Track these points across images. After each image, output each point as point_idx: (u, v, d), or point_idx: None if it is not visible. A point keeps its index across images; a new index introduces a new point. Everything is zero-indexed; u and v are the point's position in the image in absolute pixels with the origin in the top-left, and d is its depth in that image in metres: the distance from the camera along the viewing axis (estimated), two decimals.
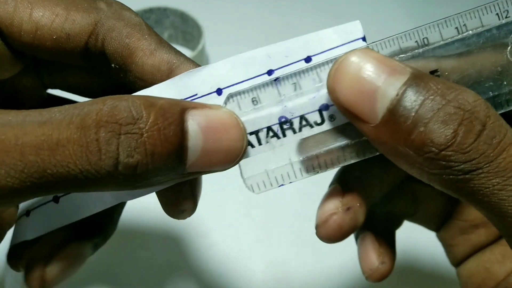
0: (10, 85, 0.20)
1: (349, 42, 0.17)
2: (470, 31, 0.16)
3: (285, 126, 0.17)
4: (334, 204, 0.20)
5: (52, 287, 0.20)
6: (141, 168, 0.15)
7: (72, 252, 0.21)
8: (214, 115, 0.16)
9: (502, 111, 0.17)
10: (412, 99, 0.14)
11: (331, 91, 0.16)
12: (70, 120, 0.14)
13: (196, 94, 0.17)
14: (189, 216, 0.20)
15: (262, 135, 0.17)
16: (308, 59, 0.17)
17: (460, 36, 0.16)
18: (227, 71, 0.17)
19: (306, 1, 0.58)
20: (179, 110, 0.15)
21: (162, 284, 0.35)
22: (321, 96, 0.17)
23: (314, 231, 0.35)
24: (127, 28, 0.18)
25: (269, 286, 0.35)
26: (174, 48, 0.19)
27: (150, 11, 0.48)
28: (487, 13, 0.16)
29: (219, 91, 0.17)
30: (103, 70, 0.19)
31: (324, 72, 0.16)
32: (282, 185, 0.17)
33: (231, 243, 0.37)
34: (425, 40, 0.16)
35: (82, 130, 0.14)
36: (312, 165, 0.17)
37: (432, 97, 0.14)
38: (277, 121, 0.17)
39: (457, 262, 0.25)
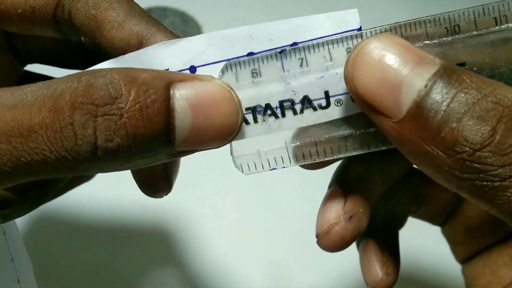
0: None
1: (342, 32, 0.15)
2: (510, 24, 0.14)
3: (285, 105, 0.15)
4: (336, 212, 0.18)
5: None
6: (122, 152, 0.13)
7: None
8: (204, 89, 0.14)
9: None
10: (443, 91, 0.13)
11: (349, 79, 0.14)
12: (42, 103, 0.13)
13: (167, 69, 0.16)
14: (165, 195, 0.19)
15: (259, 112, 0.15)
16: (294, 45, 0.15)
17: (497, 28, 0.14)
18: (204, 48, 0.15)
19: (306, 2, 0.57)
20: (164, 84, 0.14)
21: (161, 285, 0.35)
22: (330, 76, 0.15)
23: (314, 231, 0.36)
24: None
25: (269, 286, 0.35)
26: (147, 16, 0.17)
27: (150, 11, 0.48)
28: None
29: (192, 69, 0.16)
30: (79, 41, 0.18)
31: (336, 51, 0.15)
32: (275, 169, 0.16)
33: (232, 243, 0.37)
34: (456, 27, 0.14)
35: (55, 113, 0.13)
36: (309, 152, 0.16)
37: (466, 89, 0.12)
38: (277, 99, 0.15)
39: (462, 259, 0.24)
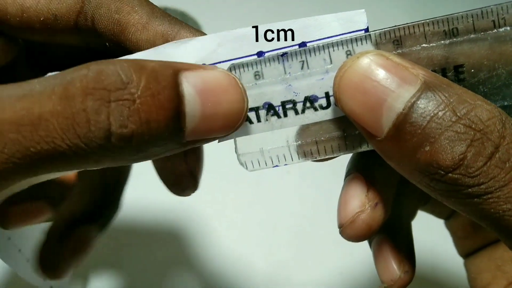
0: (5, 74, 0.19)
1: (350, 32, 0.15)
2: (508, 27, 0.15)
3: (287, 106, 0.16)
4: (360, 200, 0.18)
5: (67, 273, 0.20)
6: (137, 139, 0.13)
7: (80, 236, 0.20)
8: (210, 76, 0.14)
9: None
10: (420, 114, 0.13)
11: (337, 99, 0.15)
12: (52, 91, 0.13)
13: None
14: (192, 193, 0.19)
15: (262, 112, 0.16)
16: (302, 45, 0.16)
17: (495, 31, 0.15)
18: (215, 47, 0.16)
19: (306, 1, 0.57)
20: (171, 72, 0.14)
21: (163, 282, 0.35)
22: (330, 78, 0.15)
23: (314, 231, 0.35)
24: (116, 2, 0.17)
25: (269, 286, 0.35)
26: (168, 16, 0.17)
27: None
28: None
29: None
30: (101, 49, 0.18)
31: (336, 53, 0.15)
32: (277, 166, 0.17)
33: (232, 243, 0.37)
34: (454, 30, 0.15)
35: (66, 100, 0.13)
36: (310, 151, 0.16)
37: (442, 112, 0.13)
38: (279, 100, 0.16)
39: (465, 253, 0.24)
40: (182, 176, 0.19)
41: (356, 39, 0.15)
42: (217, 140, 0.16)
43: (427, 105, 0.13)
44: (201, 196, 0.36)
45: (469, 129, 0.13)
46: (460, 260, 0.25)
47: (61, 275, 0.21)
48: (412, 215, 0.23)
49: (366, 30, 0.15)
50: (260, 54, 0.16)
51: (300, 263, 0.36)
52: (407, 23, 0.15)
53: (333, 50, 0.15)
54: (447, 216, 0.24)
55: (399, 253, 0.20)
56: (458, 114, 0.13)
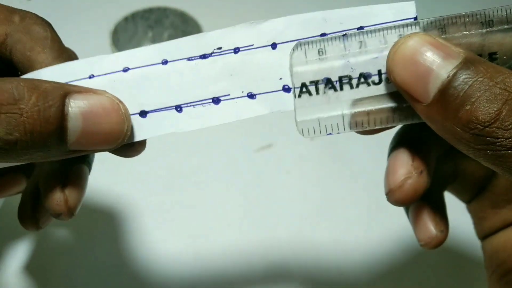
0: None
1: (401, 20, 0.18)
2: None
3: (344, 80, 0.18)
4: (406, 168, 0.20)
5: (75, 212, 0.21)
6: (20, 145, 0.16)
7: (77, 173, 0.22)
8: (95, 100, 0.18)
9: None
10: (462, 81, 0.16)
11: (389, 71, 0.17)
12: None
13: (252, 45, 0.19)
14: (66, 218, 0.21)
15: (321, 86, 0.19)
16: (360, 29, 0.18)
17: None
18: (283, 28, 0.19)
19: (306, 2, 0.58)
20: (61, 93, 0.17)
21: (161, 282, 0.35)
22: (383, 57, 0.18)
23: (313, 231, 0.37)
24: (31, 42, 0.20)
25: (269, 285, 0.35)
26: (71, 59, 0.21)
27: (150, 11, 0.49)
28: None
29: (274, 45, 0.19)
30: (13, 74, 0.21)
31: (390, 36, 0.18)
32: (331, 133, 0.19)
33: (231, 242, 0.37)
34: (490, 22, 0.17)
35: None
36: (362, 121, 0.19)
37: (481, 79, 0.15)
38: (337, 75, 0.18)
39: (484, 235, 0.25)
40: (54, 203, 0.21)
41: (407, 25, 0.18)
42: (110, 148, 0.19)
43: (468, 74, 0.16)
44: (200, 195, 0.40)
45: (504, 91, 0.15)
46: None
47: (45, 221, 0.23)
48: (443, 187, 0.25)
49: (415, 18, 0.18)
50: (323, 35, 0.19)
51: (300, 263, 0.36)
52: (449, 15, 0.18)
53: (387, 33, 0.18)
54: (470, 198, 0.26)
55: (435, 216, 0.22)
56: (495, 80, 0.15)
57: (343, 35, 0.18)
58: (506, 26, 0.17)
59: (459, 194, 0.26)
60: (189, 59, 0.19)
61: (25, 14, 0.21)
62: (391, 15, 0.18)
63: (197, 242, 0.37)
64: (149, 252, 0.36)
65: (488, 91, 0.15)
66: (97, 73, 0.19)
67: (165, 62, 0.19)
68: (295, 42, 0.19)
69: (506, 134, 0.15)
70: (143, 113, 0.20)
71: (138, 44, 0.51)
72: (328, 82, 0.19)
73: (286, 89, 0.19)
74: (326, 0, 0.59)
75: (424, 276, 0.36)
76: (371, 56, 0.18)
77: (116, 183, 0.39)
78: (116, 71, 0.19)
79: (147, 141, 0.21)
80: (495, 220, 0.24)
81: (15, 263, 0.35)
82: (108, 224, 0.38)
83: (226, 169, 0.42)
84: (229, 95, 0.19)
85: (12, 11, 0.21)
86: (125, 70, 0.19)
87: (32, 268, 0.35)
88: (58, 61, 0.20)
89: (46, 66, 0.20)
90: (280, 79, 0.19)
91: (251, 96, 0.19)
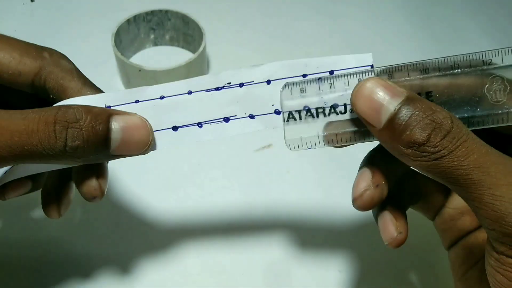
0: None
1: (362, 66, 0.25)
2: (459, 70, 0.23)
3: (319, 110, 0.25)
4: (366, 182, 0.25)
5: (104, 194, 0.28)
6: (80, 149, 0.22)
7: (103, 167, 0.28)
8: (130, 119, 0.24)
9: (475, 128, 0.22)
10: (404, 113, 0.21)
11: (352, 104, 0.23)
12: (39, 118, 0.22)
13: (253, 81, 0.26)
14: (99, 200, 0.28)
15: (303, 114, 0.25)
16: (331, 72, 0.25)
17: (451, 71, 0.23)
18: (275, 69, 0.25)
19: (305, 3, 0.60)
20: (107, 114, 0.23)
21: (161, 281, 0.35)
22: (347, 95, 0.24)
23: (313, 231, 0.40)
24: (62, 73, 0.26)
25: (268, 285, 0.35)
26: (95, 87, 0.27)
27: (152, 13, 0.50)
28: (475, 58, 0.23)
29: (268, 82, 0.26)
30: (44, 98, 0.27)
31: (352, 80, 0.24)
32: (310, 148, 0.25)
33: (231, 242, 0.37)
34: (426, 70, 0.24)
35: (46, 124, 0.22)
36: (332, 139, 0.25)
37: (417, 113, 0.21)
38: (314, 106, 0.25)
39: (448, 245, 0.29)
40: (92, 189, 0.27)
41: (364, 72, 0.24)
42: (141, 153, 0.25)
43: (408, 109, 0.21)
44: (200, 195, 0.41)
45: (432, 122, 0.20)
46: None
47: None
48: (407, 200, 0.29)
49: (372, 66, 0.24)
50: (304, 76, 0.25)
51: (299, 261, 0.37)
52: (396, 64, 0.24)
53: (350, 77, 0.24)
54: (433, 216, 0.30)
55: (396, 221, 0.26)
56: (426, 114, 0.21)
57: (318, 79, 0.24)
58: (437, 73, 0.24)
59: (425, 212, 0.30)
60: (207, 90, 0.26)
61: (51, 51, 0.27)
62: (355, 63, 0.24)
63: (196, 241, 0.37)
64: (148, 252, 0.37)
65: (422, 122, 0.21)
66: (141, 99, 0.26)
67: (190, 92, 0.26)
68: (284, 80, 0.25)
69: (433, 150, 0.20)
70: (174, 128, 0.26)
71: (140, 46, 0.52)
72: (308, 111, 0.25)
73: (277, 112, 0.26)
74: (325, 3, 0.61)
75: (424, 275, 0.37)
76: (339, 94, 0.24)
77: (116, 181, 0.41)
78: (155, 98, 0.26)
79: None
80: (454, 231, 0.29)
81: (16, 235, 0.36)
82: (108, 227, 0.38)
83: (226, 168, 0.43)
84: (236, 116, 0.26)
85: (41, 48, 0.26)
86: (162, 97, 0.26)
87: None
88: (85, 87, 0.27)
89: (78, 91, 0.26)
90: (273, 105, 0.26)
91: (252, 116, 0.26)
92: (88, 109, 0.23)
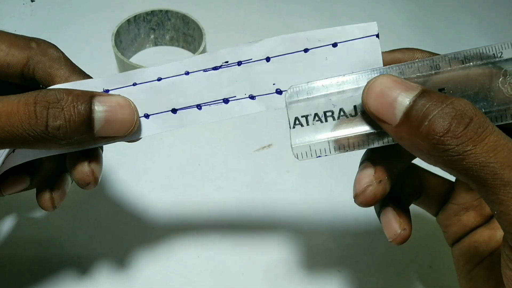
0: None
1: (367, 36, 0.23)
2: (471, 63, 0.22)
3: (327, 114, 0.23)
4: (369, 178, 0.24)
5: (98, 181, 0.27)
6: (62, 129, 0.22)
7: (96, 152, 0.27)
8: (113, 99, 0.24)
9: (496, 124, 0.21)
10: (421, 105, 0.20)
11: (364, 103, 0.22)
12: (19, 100, 0.22)
13: (251, 59, 0.24)
14: (93, 187, 0.27)
15: (310, 118, 0.23)
16: (335, 45, 0.24)
17: (463, 65, 0.22)
18: (274, 45, 0.24)
19: (305, 3, 0.60)
20: (89, 96, 0.23)
21: (161, 281, 0.35)
22: (358, 96, 0.23)
23: (313, 231, 0.39)
24: (49, 62, 0.26)
25: (268, 284, 0.35)
26: (84, 74, 0.27)
27: (152, 13, 0.50)
28: (486, 52, 0.22)
29: (267, 59, 0.24)
30: (34, 88, 0.26)
31: (361, 80, 0.23)
32: (319, 156, 0.24)
33: (231, 242, 0.37)
34: (437, 66, 0.23)
35: (26, 105, 0.22)
36: (343, 145, 0.23)
37: (435, 103, 0.20)
38: (322, 110, 0.23)
39: (451, 241, 0.29)
40: (85, 174, 0.26)
41: (374, 70, 0.23)
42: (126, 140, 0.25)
43: (425, 100, 0.20)
44: (200, 195, 0.40)
45: (453, 109, 0.19)
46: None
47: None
48: (410, 197, 0.29)
49: (377, 35, 0.23)
50: (306, 50, 0.24)
51: (299, 261, 0.36)
52: (407, 62, 0.23)
53: (359, 77, 0.23)
54: (436, 212, 0.29)
55: (400, 218, 0.25)
56: (445, 103, 0.19)
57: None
58: (449, 68, 0.23)
59: (427, 208, 0.30)
60: (204, 70, 0.25)
61: (39, 41, 0.27)
62: (359, 33, 0.23)
63: (196, 241, 0.37)
64: (149, 252, 0.36)
65: (441, 111, 0.19)
66: (139, 82, 0.25)
67: (187, 73, 0.25)
68: (284, 55, 0.24)
69: (456, 142, 0.19)
70: (174, 110, 0.25)
71: (140, 46, 0.52)
72: (315, 115, 0.24)
73: (278, 92, 0.25)
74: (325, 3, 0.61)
75: (424, 275, 0.36)
76: (348, 95, 0.23)
77: (116, 181, 0.40)
78: (152, 80, 0.25)
79: (153, 139, 0.26)
80: (458, 227, 0.28)
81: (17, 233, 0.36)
82: (108, 227, 0.38)
83: (226, 168, 0.43)
84: (235, 96, 0.25)
85: (29, 39, 0.26)
86: (159, 79, 0.25)
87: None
88: (73, 75, 0.26)
89: (65, 79, 0.26)
90: (274, 84, 0.25)
91: (252, 97, 0.25)
92: (69, 90, 0.23)
